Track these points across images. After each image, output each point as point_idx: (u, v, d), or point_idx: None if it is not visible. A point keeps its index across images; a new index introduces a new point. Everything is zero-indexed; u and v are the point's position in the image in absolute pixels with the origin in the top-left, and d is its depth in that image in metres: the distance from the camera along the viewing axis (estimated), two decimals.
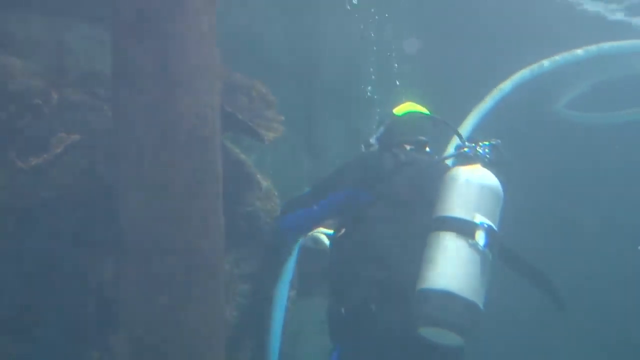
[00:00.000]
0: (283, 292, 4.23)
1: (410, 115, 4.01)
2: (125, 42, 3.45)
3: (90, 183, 3.72)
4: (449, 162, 3.76)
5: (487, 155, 3.54)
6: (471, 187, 3.33)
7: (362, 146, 4.16)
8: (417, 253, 3.33)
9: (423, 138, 3.97)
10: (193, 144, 3.44)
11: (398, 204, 3.56)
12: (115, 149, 3.48)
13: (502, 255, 3.41)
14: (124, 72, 3.46)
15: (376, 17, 6.81)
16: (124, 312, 3.35)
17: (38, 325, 3.63)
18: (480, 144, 3.60)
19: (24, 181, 3.52)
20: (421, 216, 3.44)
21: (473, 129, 5.96)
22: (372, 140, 4.07)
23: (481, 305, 3.20)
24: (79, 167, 3.70)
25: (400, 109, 4.04)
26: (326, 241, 4.17)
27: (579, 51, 7.03)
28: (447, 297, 3.14)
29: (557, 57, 6.96)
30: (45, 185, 3.61)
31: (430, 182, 3.52)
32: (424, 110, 4.06)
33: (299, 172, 6.90)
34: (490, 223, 3.28)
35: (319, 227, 4.20)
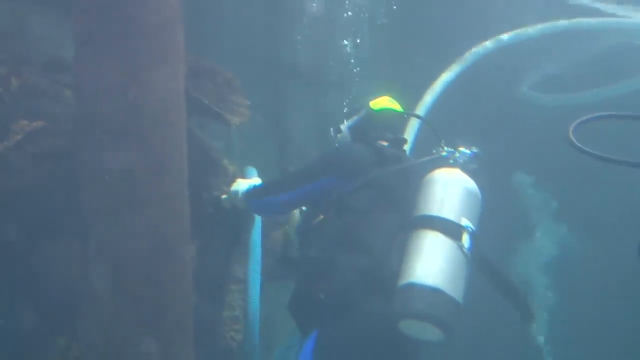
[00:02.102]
0: (255, 272, 4.23)
1: (387, 112, 4.02)
2: (88, 27, 3.43)
3: (53, 169, 3.68)
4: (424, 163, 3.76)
5: (465, 162, 3.60)
6: (457, 190, 3.39)
7: (332, 130, 4.16)
8: (399, 246, 3.37)
9: (402, 137, 4.03)
10: (158, 129, 3.43)
11: (381, 196, 3.58)
12: (79, 135, 3.45)
13: (477, 260, 3.46)
14: (86, 57, 3.43)
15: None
16: (89, 299, 3.35)
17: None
18: (460, 149, 3.65)
19: None
20: (403, 212, 3.48)
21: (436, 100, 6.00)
22: (343, 127, 4.08)
23: (462, 305, 3.26)
24: (41, 153, 3.66)
25: (377, 103, 4.03)
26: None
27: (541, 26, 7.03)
28: (435, 293, 3.18)
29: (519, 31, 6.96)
30: (6, 172, 3.58)
31: (412, 180, 3.56)
32: (399, 108, 4.08)
33: (268, 157, 6.88)
34: (473, 227, 3.36)
35: (292, 211, 4.23)
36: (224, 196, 4.25)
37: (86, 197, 3.37)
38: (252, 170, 4.38)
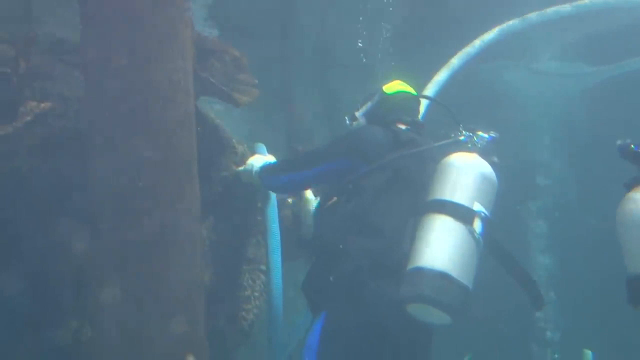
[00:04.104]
0: (276, 251, 4.24)
1: (401, 95, 4.01)
2: (95, 7, 3.41)
3: (63, 151, 3.68)
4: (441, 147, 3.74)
5: (482, 146, 3.57)
6: (471, 174, 3.37)
7: (346, 118, 4.15)
8: (411, 230, 3.37)
9: (420, 120, 4.02)
10: (167, 110, 3.42)
11: (396, 180, 3.57)
12: (87, 116, 3.45)
13: (489, 244, 3.45)
14: (94, 38, 3.41)
15: None
16: (99, 281, 3.36)
17: (12, 294, 3.64)
18: (478, 134, 3.62)
19: None
20: (416, 196, 3.47)
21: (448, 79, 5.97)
22: (358, 114, 4.07)
23: (471, 290, 3.26)
24: (50, 135, 3.66)
25: (390, 87, 4.03)
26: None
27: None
28: (444, 278, 3.17)
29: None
30: (16, 153, 3.58)
31: (428, 164, 3.55)
32: (413, 91, 4.08)
33: (276, 137, 6.88)
34: (487, 212, 3.35)
35: (303, 191, 4.26)
36: (240, 168, 4.26)
37: (95, 179, 3.37)
38: (262, 147, 4.38)
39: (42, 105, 3.58)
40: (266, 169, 4.10)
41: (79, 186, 3.47)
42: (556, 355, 8.61)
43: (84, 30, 3.44)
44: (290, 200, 4.60)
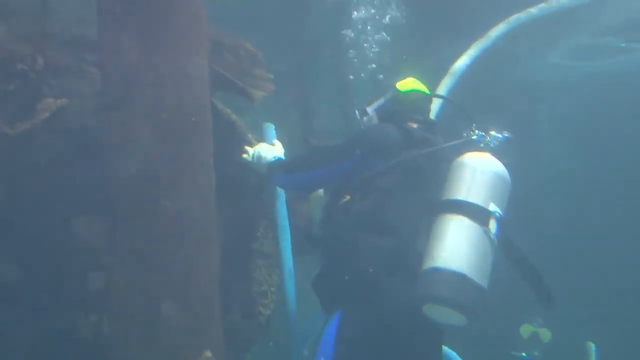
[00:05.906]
0: (286, 247, 4.24)
1: (414, 93, 4.00)
2: (111, 2, 3.42)
3: (80, 147, 3.70)
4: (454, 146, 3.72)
5: (494, 145, 3.57)
6: (486, 174, 3.36)
7: (357, 112, 4.12)
8: (426, 229, 3.36)
9: (432, 119, 4.02)
10: (183, 105, 3.43)
11: (410, 179, 3.57)
12: (104, 112, 3.46)
13: (502, 244, 3.44)
14: (110, 33, 3.42)
15: None
16: (116, 275, 3.38)
17: (31, 290, 3.66)
18: (491, 133, 3.61)
19: (12, 147, 3.51)
20: (430, 195, 3.46)
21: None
22: (370, 110, 4.05)
23: (487, 291, 3.26)
24: (67, 131, 3.68)
25: (403, 85, 4.01)
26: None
27: None
28: (460, 279, 3.17)
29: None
30: (34, 149, 3.60)
31: (441, 163, 3.54)
32: (425, 89, 4.06)
33: (292, 132, 6.87)
34: (501, 213, 3.34)
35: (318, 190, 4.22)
36: (247, 158, 4.20)
37: (112, 173, 3.38)
38: (270, 128, 4.34)
39: (59, 101, 3.60)
40: (278, 166, 4.04)
41: (96, 181, 3.49)
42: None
43: (100, 25, 3.45)
44: None
